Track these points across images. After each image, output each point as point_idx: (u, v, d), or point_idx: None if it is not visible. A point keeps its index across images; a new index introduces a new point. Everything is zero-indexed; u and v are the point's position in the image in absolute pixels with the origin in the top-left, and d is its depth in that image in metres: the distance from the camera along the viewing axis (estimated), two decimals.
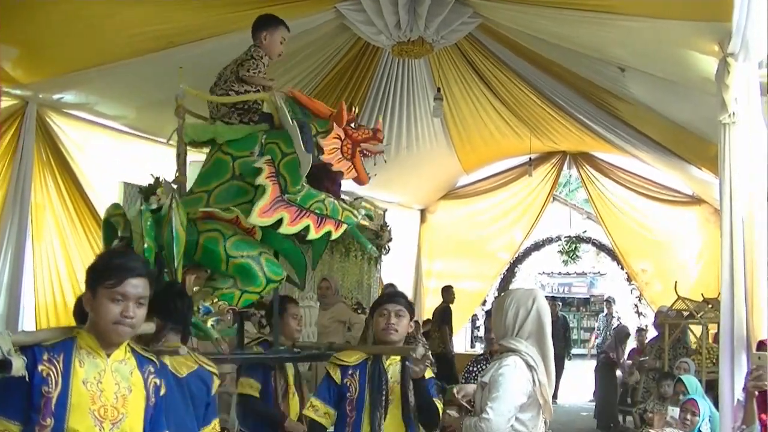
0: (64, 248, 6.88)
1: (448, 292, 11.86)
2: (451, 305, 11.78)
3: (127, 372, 2.71)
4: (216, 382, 3.51)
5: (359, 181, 4.39)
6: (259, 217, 3.88)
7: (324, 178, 4.19)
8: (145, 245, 3.72)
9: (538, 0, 6.18)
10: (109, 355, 2.67)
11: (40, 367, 2.52)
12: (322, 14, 6.73)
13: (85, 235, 6.97)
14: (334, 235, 4.04)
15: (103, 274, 2.64)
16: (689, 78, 6.33)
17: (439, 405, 3.91)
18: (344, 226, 4.09)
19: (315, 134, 4.23)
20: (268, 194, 3.93)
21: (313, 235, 3.96)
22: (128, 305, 2.62)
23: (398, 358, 3.96)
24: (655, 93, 7.63)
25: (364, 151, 4.38)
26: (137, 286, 2.65)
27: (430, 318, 12.20)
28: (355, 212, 4.14)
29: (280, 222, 3.91)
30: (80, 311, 3.49)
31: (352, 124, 4.34)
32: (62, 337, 2.65)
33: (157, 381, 2.83)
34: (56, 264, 6.80)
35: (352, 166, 4.32)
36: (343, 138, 4.25)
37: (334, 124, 4.20)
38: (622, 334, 12.84)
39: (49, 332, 2.74)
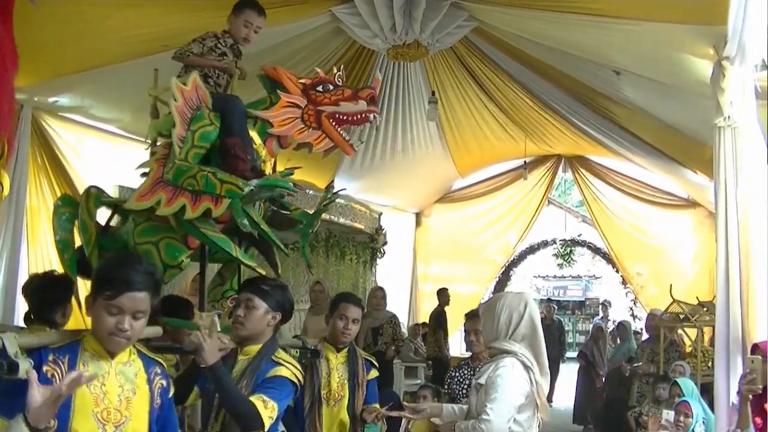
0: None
1: (443, 295, 11.83)
2: (446, 308, 11.74)
3: (131, 374, 2.68)
4: None
5: (343, 151, 4.07)
6: (136, 201, 3.70)
7: (231, 157, 3.84)
8: (58, 237, 3.83)
9: (533, 3, 6.19)
10: (113, 357, 2.65)
11: (44, 368, 2.50)
12: (317, 17, 6.73)
13: None
14: (215, 212, 3.59)
15: (102, 284, 2.59)
16: (684, 81, 6.33)
17: (262, 406, 3.26)
18: (225, 201, 3.58)
19: (267, 106, 4.03)
20: (151, 176, 3.77)
21: (189, 214, 3.59)
22: (123, 318, 2.57)
23: (251, 353, 3.56)
24: (650, 96, 7.64)
25: (338, 116, 3.96)
26: (134, 300, 2.59)
27: (425, 321, 12.20)
28: (240, 184, 3.59)
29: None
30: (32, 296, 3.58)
31: (320, 87, 4.02)
32: (69, 339, 2.64)
33: (164, 382, 2.80)
34: (51, 267, 6.78)
35: (323, 135, 3.98)
36: (304, 105, 3.96)
37: (281, 94, 3.96)
38: (594, 329, 12.87)
39: (56, 335, 2.73)
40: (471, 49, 8.05)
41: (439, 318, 11.53)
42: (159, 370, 2.81)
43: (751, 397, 4.22)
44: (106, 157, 7.26)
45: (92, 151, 7.17)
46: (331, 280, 10.05)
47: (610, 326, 14.31)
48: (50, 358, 2.54)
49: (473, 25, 7.07)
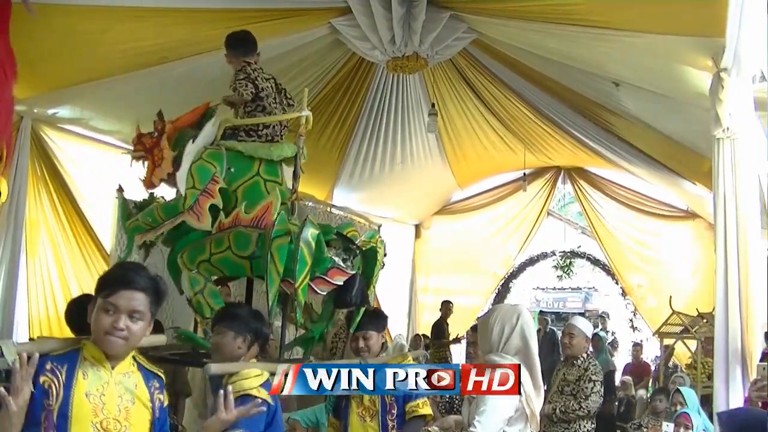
0: (58, 263, 6.86)
1: (445, 307, 11.83)
2: (447, 320, 11.72)
3: (131, 385, 2.67)
4: None
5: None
6: None
7: None
8: None
9: (532, 15, 6.19)
10: (113, 367, 2.63)
11: (42, 379, 2.47)
12: (317, 29, 6.74)
13: (79, 249, 6.97)
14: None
15: (101, 284, 2.62)
16: (683, 93, 6.34)
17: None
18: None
19: None
20: None
21: None
22: (119, 317, 2.56)
23: None
24: (649, 108, 7.64)
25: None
26: (130, 300, 2.58)
27: (425, 333, 12.17)
28: None
29: None
30: (71, 316, 3.53)
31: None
32: (68, 348, 2.62)
33: (162, 396, 2.79)
34: (50, 279, 6.78)
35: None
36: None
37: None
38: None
39: (55, 343, 2.69)
40: (470, 61, 8.06)
41: (438, 330, 11.51)
42: (158, 384, 2.79)
43: (760, 404, 4.20)
44: (106, 168, 7.26)
45: (92, 162, 7.17)
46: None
47: (610, 338, 14.27)
48: (48, 367, 2.50)
49: (472, 37, 7.08)
